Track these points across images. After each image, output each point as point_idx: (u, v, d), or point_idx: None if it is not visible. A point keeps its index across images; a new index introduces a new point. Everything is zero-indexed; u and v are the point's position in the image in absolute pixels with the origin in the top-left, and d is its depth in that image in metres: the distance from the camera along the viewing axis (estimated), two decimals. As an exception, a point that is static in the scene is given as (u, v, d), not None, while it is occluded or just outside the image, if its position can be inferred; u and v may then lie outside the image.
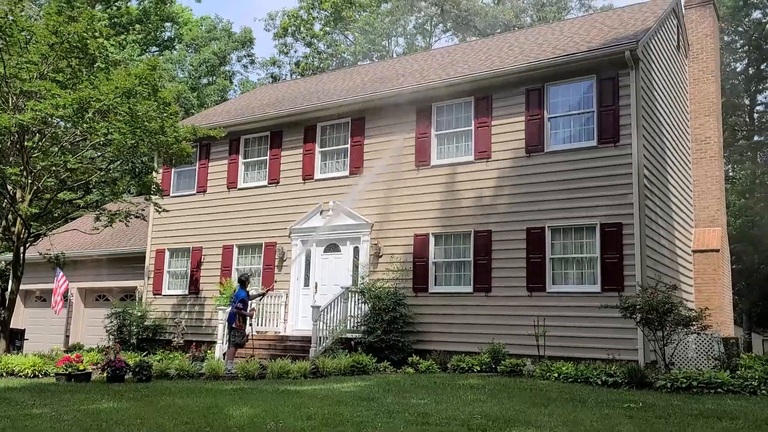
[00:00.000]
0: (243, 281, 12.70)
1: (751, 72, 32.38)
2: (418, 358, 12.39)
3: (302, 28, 40.02)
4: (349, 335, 13.36)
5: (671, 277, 13.36)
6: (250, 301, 12.64)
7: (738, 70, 33.05)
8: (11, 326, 15.04)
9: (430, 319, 13.47)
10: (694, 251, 15.93)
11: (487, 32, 34.39)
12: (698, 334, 11.62)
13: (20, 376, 11.85)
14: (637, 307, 10.52)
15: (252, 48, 43.00)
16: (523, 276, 12.68)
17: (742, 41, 32.62)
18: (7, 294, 14.55)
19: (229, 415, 6.55)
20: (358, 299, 13.65)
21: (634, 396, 8.53)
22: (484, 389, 9.01)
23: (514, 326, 12.44)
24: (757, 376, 9.44)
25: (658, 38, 13.94)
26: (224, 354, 13.09)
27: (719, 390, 9.16)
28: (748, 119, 33.70)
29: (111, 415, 6.57)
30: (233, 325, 12.23)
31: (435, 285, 13.72)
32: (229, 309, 12.76)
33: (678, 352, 11.50)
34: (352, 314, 13.62)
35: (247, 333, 12.46)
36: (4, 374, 12.03)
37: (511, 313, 12.62)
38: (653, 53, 13.48)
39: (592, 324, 11.76)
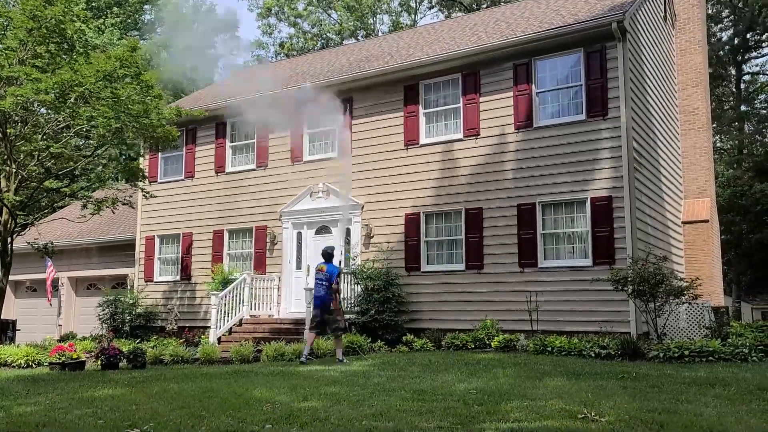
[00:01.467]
0: (330, 254, 10.72)
1: (737, 42, 32.35)
2: (412, 336, 12.44)
3: (286, 8, 39.43)
4: (342, 316, 13.36)
5: (662, 248, 13.44)
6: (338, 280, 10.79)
7: (723, 39, 33.01)
8: (2, 317, 14.91)
9: (423, 297, 13.50)
10: (684, 222, 16.03)
11: (473, 7, 34.05)
12: (689, 304, 11.74)
13: (13, 367, 11.79)
14: (629, 279, 10.59)
15: (236, 32, 42.39)
16: (514, 252, 12.71)
17: (727, 11, 32.53)
18: (-4, 285, 14.38)
19: (225, 399, 6.55)
20: (351, 280, 13.64)
21: (627, 367, 8.62)
22: (479, 365, 9.07)
23: (506, 302, 12.49)
24: (747, 344, 9.57)
25: (645, 9, 13.84)
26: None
27: (711, 358, 9.28)
28: (735, 89, 33.76)
29: (106, 402, 6.54)
30: (331, 307, 10.42)
31: (427, 264, 13.73)
32: (317, 291, 10.61)
33: (670, 322, 11.63)
34: (345, 296, 13.60)
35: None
36: (-3, 365, 11.96)
37: (503, 290, 12.67)
38: (640, 25, 13.40)
39: (585, 298, 11.83)
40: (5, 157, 13.22)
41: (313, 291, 10.87)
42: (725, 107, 33.79)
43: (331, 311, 10.44)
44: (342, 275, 10.76)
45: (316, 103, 13.50)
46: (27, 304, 21.53)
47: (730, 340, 10.20)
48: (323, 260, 10.75)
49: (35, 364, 11.86)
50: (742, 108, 33.40)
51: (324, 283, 10.50)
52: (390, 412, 5.58)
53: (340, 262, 11.15)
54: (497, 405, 5.78)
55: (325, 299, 10.45)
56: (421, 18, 39.43)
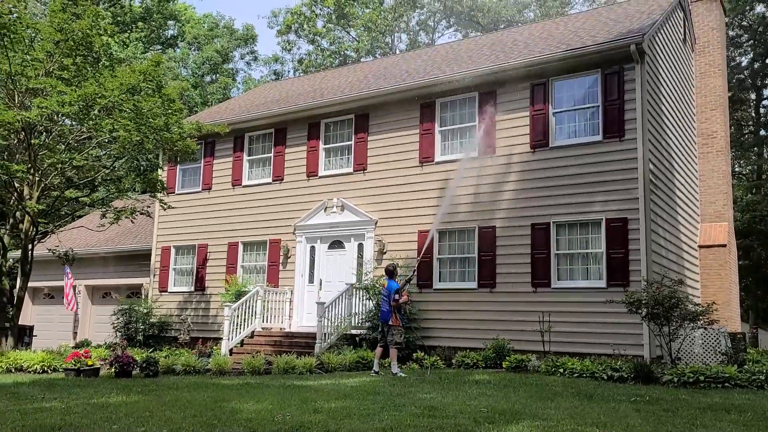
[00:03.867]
0: (392, 271, 11.30)
1: (756, 66, 32.20)
2: (422, 354, 12.40)
3: (305, 26, 40.03)
4: (353, 331, 13.39)
5: (677, 272, 13.32)
6: (402, 290, 11.20)
7: (743, 64, 32.89)
8: (20, 323, 15.13)
9: (435, 315, 13.47)
10: (700, 246, 15.87)
11: (490, 28, 34.32)
12: (705, 329, 11.59)
13: (29, 372, 11.93)
14: (643, 302, 10.50)
15: (255, 45, 43.08)
16: (527, 272, 12.66)
17: (746, 35, 32.43)
18: (16, 291, 14.63)
19: (236, 409, 6.59)
20: (363, 295, 13.67)
21: (640, 390, 8.53)
22: (490, 384, 9.03)
23: (518, 322, 12.42)
24: (764, 371, 9.41)
25: (664, 32, 13.88)
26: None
27: (726, 384, 9.14)
28: (754, 114, 33.54)
29: (120, 408, 6.61)
30: (390, 323, 10.97)
31: (439, 281, 13.72)
32: (382, 307, 11.23)
33: (684, 347, 11.48)
34: (357, 311, 13.64)
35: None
36: (13, 370, 12.12)
37: (515, 309, 12.61)
38: (659, 47, 13.43)
39: (598, 320, 11.74)
40: (29, 165, 13.52)
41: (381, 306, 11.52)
42: (744, 132, 33.54)
43: (390, 326, 10.99)
44: (401, 292, 11.09)
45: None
46: (44, 310, 21.80)
47: (746, 366, 10.05)
48: (386, 276, 11.40)
49: (51, 370, 12.00)
50: (762, 133, 33.13)
51: (386, 299, 11.12)
52: (400, 427, 5.58)
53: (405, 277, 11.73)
54: (508, 424, 5.76)
55: (385, 315, 11.10)
56: (439, 37, 39.84)
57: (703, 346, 11.78)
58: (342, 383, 9.17)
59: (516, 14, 35.10)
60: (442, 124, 14.28)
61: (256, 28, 45.96)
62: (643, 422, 5.96)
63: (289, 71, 42.47)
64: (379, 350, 11.12)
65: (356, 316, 13.59)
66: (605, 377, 9.94)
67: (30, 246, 14.30)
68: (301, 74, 36.57)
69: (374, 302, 13.29)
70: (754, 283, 28.86)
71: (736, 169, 33.36)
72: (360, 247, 14.86)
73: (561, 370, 10.46)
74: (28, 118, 12.46)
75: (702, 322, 10.93)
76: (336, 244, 15.25)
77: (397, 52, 37.23)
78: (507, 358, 11.47)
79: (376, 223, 14.60)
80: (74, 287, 18.94)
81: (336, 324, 13.27)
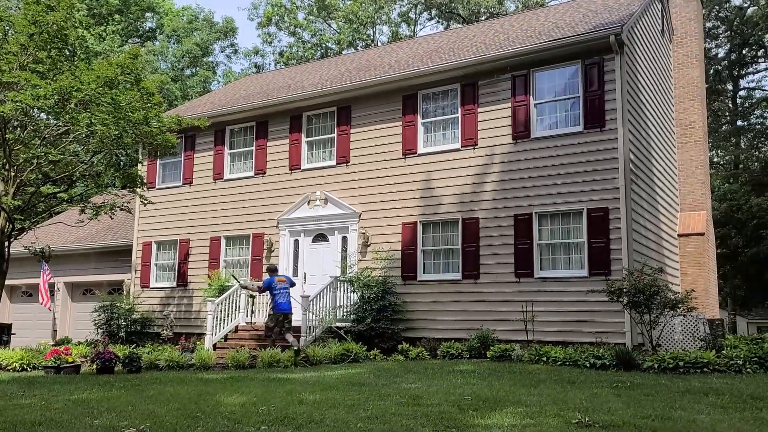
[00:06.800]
0: None
1: (733, 57, 32.69)
2: (407, 345, 12.44)
3: (286, 18, 39.73)
4: (338, 324, 13.38)
5: (657, 261, 13.50)
6: None
7: (720, 55, 33.35)
8: (-3, 321, 14.88)
9: (420, 306, 13.51)
10: (680, 235, 16.10)
11: (471, 19, 34.36)
12: (684, 316, 11.79)
13: (8, 370, 11.76)
14: (624, 290, 10.64)
15: (235, 38, 42.65)
16: (511, 262, 12.75)
17: (723, 27, 32.87)
18: (-8, 289, 14.34)
19: (220, 402, 6.55)
20: (347, 288, 13.66)
21: (622, 377, 8.65)
22: (474, 373, 9.09)
23: (502, 312, 12.51)
24: (742, 356, 9.61)
25: (642, 23, 14.00)
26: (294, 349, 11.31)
27: (705, 369, 9.31)
28: (731, 104, 34.06)
29: (102, 403, 6.53)
30: None
31: (423, 273, 13.76)
32: None
33: (664, 334, 11.66)
34: (342, 303, 13.63)
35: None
36: (-9, 369, 11.93)
37: (499, 299, 12.69)
38: (638, 38, 13.55)
39: (580, 308, 11.86)
40: (3, 161, 13.26)
41: None
42: (722, 122, 34.07)
43: None
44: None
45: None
46: (22, 308, 21.47)
47: (724, 352, 10.23)
48: None
49: (30, 368, 11.84)
50: (739, 123, 33.68)
51: None
52: (385, 415, 5.59)
53: None
54: (492, 411, 5.80)
55: None
56: (420, 29, 39.78)
57: (683, 333, 11.97)
58: (327, 375, 9.17)
59: (496, 5, 35.15)
60: (425, 115, 14.28)
61: (236, 20, 45.51)
62: (623, 406, 6.05)
63: (270, 64, 42.15)
64: None
65: (341, 309, 13.58)
66: (588, 365, 10.06)
67: (6, 243, 14.03)
68: (283, 67, 36.29)
69: (359, 295, 13.29)
70: (732, 270, 29.38)
71: (714, 160, 33.89)
72: (344, 240, 14.83)
73: (544, 359, 10.56)
74: (2, 112, 12.21)
75: (681, 309, 11.12)
76: (320, 237, 15.20)
77: (379, 44, 37.12)
78: (491, 347, 11.55)
79: (359, 215, 14.58)
80: (52, 284, 18.67)
81: (321, 317, 13.25)
